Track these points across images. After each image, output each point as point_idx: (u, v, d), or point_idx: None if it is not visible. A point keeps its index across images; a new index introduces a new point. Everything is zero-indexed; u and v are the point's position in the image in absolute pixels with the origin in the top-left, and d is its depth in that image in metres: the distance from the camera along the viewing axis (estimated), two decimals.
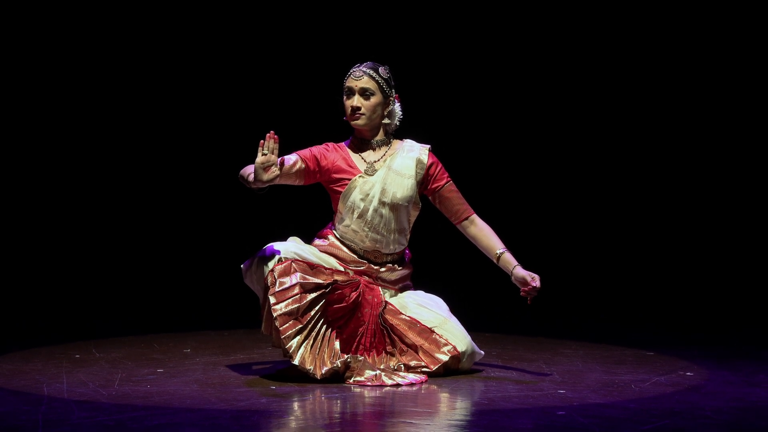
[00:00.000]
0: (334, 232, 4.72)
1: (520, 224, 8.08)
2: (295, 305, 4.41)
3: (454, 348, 4.60)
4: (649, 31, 7.82)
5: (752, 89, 7.76)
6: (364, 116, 4.64)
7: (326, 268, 4.54)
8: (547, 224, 8.08)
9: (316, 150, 4.69)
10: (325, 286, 4.49)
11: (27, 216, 7.79)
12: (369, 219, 4.64)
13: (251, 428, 3.63)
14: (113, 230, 7.91)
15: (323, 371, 4.40)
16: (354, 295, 4.55)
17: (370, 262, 4.69)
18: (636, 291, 7.71)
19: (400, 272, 4.75)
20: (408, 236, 4.78)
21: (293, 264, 4.45)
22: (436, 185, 4.73)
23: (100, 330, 6.00)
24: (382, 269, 4.70)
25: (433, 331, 4.61)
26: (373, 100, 4.64)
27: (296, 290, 4.43)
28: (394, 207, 4.66)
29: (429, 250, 7.82)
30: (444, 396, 4.24)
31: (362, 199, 4.64)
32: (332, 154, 4.70)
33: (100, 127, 7.84)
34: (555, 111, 8.02)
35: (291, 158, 4.59)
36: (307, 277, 4.46)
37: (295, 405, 4.02)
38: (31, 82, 7.68)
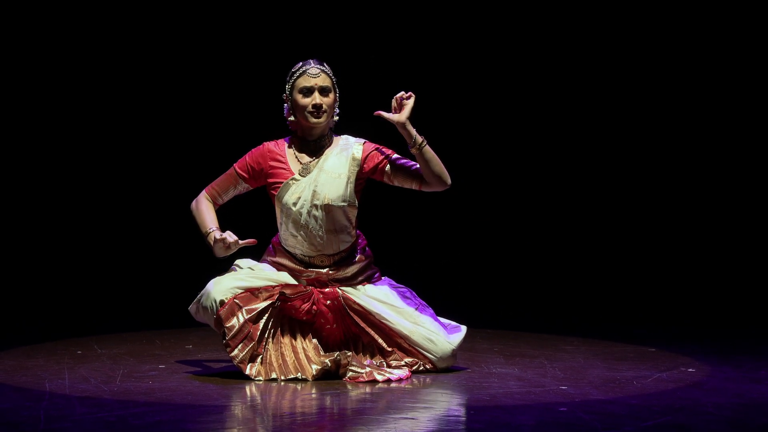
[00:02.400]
0: (280, 239, 4.64)
1: (522, 221, 8.08)
2: (250, 344, 4.39)
3: (426, 359, 4.58)
4: (643, 28, 7.81)
5: (752, 89, 7.74)
6: (325, 114, 4.54)
7: (272, 286, 4.48)
8: (549, 221, 8.08)
9: (251, 158, 4.59)
10: (274, 302, 4.45)
11: (29, 212, 7.80)
12: (303, 223, 4.53)
13: (253, 424, 3.64)
14: (115, 226, 7.92)
15: (314, 371, 4.41)
16: (305, 306, 4.49)
17: (317, 267, 4.58)
18: (638, 287, 7.71)
19: (353, 267, 4.63)
20: (353, 231, 4.62)
21: (235, 300, 4.42)
22: (378, 164, 4.57)
23: (102, 326, 6.01)
24: (332, 271, 4.59)
25: (404, 339, 4.56)
26: (331, 96, 4.55)
27: (246, 329, 4.40)
28: (327, 209, 4.53)
29: (433, 246, 7.84)
30: (445, 392, 4.24)
31: (294, 203, 4.52)
32: (266, 157, 4.59)
33: (101, 122, 7.84)
34: (557, 107, 8.01)
35: (234, 177, 4.61)
36: (252, 307, 4.42)
37: (297, 401, 4.02)
38: (30, 84, 7.68)
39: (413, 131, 4.46)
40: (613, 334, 5.89)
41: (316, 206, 4.53)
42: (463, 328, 4.70)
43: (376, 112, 4.50)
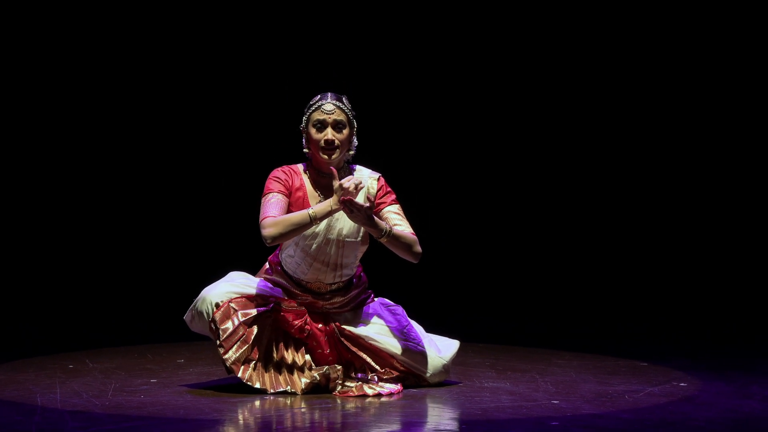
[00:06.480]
0: (280, 258, 4.61)
1: (513, 235, 8.09)
2: (244, 346, 4.39)
3: (418, 375, 4.58)
4: (643, 29, 7.82)
5: (752, 89, 7.74)
6: (338, 150, 4.49)
7: (267, 296, 4.48)
8: (540, 236, 8.09)
9: (282, 177, 4.51)
10: (270, 310, 4.45)
11: (20, 225, 7.79)
12: (313, 254, 4.51)
13: None
14: (107, 240, 7.91)
15: (303, 385, 4.41)
16: (299, 322, 4.48)
17: (312, 293, 4.56)
18: (629, 301, 7.72)
19: (348, 296, 4.62)
20: (356, 266, 4.62)
21: (230, 304, 4.42)
22: (381, 203, 4.56)
23: (94, 340, 6.00)
24: (325, 301, 4.57)
25: (395, 358, 4.55)
26: (346, 132, 4.51)
27: (240, 331, 4.40)
28: (340, 243, 4.52)
29: (426, 260, 7.84)
30: (437, 406, 4.24)
31: (306, 234, 4.47)
32: (292, 179, 4.54)
33: (98, 138, 7.85)
34: (553, 114, 8.01)
35: (280, 198, 4.46)
36: (247, 311, 4.42)
37: (288, 415, 4.02)
38: (30, 85, 7.68)
39: (380, 222, 4.38)
40: (605, 348, 5.89)
41: (329, 240, 4.51)
42: (456, 343, 4.70)
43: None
